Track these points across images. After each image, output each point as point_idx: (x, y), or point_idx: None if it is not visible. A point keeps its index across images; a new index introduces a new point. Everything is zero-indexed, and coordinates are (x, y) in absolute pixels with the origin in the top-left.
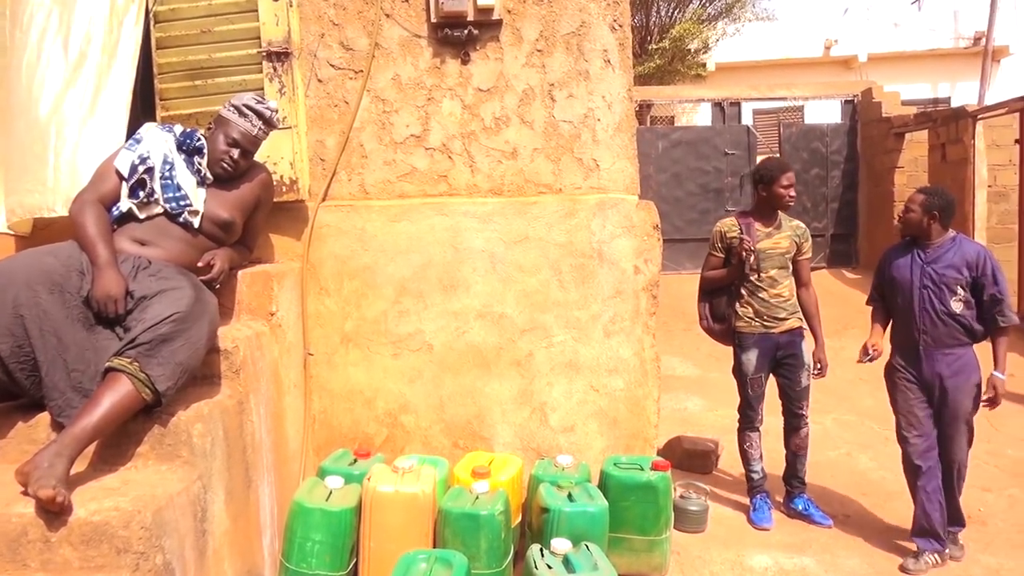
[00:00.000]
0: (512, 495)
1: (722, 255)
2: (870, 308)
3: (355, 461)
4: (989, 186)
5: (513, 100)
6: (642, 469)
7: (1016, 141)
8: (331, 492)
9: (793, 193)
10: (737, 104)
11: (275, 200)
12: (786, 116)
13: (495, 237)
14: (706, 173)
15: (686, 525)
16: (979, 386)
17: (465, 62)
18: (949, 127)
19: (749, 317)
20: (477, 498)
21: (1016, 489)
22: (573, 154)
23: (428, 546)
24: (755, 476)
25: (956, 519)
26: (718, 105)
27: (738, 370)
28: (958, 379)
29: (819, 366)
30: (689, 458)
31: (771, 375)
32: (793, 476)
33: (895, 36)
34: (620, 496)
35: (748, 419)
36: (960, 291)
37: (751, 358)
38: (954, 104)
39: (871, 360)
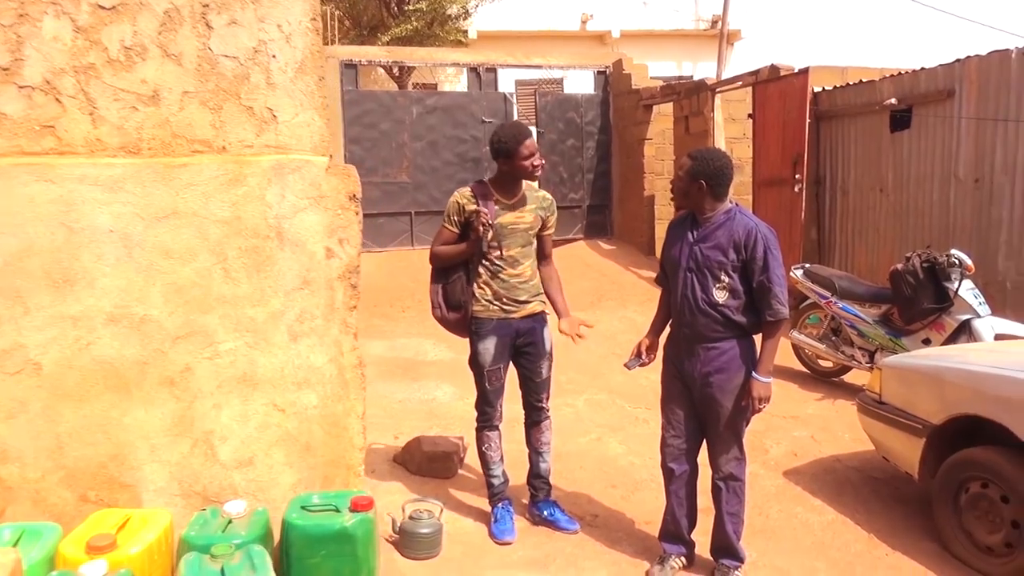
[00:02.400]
0: (151, 572)
1: (457, 230)
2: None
3: None
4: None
5: (151, 24)
6: (337, 511)
7: (749, 115)
8: None
9: (538, 162)
10: (494, 70)
11: None
12: (547, 87)
13: (129, 212)
14: (463, 142)
15: (417, 551)
16: (746, 385)
17: None
18: (691, 100)
19: (487, 300)
20: None
21: (755, 464)
22: (240, 101)
23: None
24: (495, 482)
25: (727, 550)
26: (474, 71)
27: (474, 361)
28: (719, 378)
29: (568, 329)
30: (430, 462)
31: (511, 365)
32: (536, 476)
33: (644, 15)
34: (307, 551)
35: (486, 416)
36: (724, 277)
37: (488, 347)
38: None
39: (642, 365)
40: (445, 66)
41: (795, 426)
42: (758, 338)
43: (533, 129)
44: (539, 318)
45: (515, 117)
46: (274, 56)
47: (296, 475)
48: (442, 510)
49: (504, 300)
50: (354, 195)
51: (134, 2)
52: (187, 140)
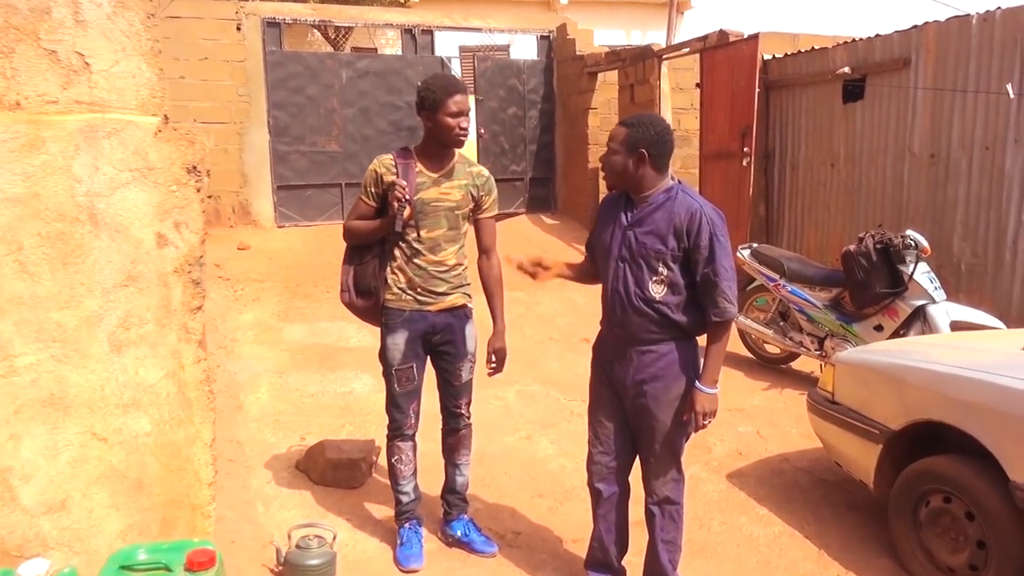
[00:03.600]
0: None
1: (374, 203)
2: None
3: None
4: (673, 130)
5: None
6: (168, 570)
7: (697, 85)
8: None
9: (465, 124)
10: (430, 32)
11: None
12: (492, 53)
13: None
14: (398, 108)
15: None
16: (688, 395)
17: None
18: (637, 67)
19: (400, 288)
20: None
21: (697, 466)
22: (39, 43)
23: None
24: (403, 499)
25: None
26: (409, 32)
27: (383, 357)
28: (655, 387)
29: (494, 361)
30: (334, 470)
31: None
32: (451, 491)
33: None
34: None
35: (396, 424)
36: (662, 269)
37: (398, 342)
38: None
39: (519, 267)
40: (378, 26)
41: (740, 420)
42: (702, 340)
43: (472, 99)
44: (460, 313)
45: None
46: None
47: (125, 520)
48: (335, 536)
49: (419, 290)
50: (192, 167)
51: None
52: None
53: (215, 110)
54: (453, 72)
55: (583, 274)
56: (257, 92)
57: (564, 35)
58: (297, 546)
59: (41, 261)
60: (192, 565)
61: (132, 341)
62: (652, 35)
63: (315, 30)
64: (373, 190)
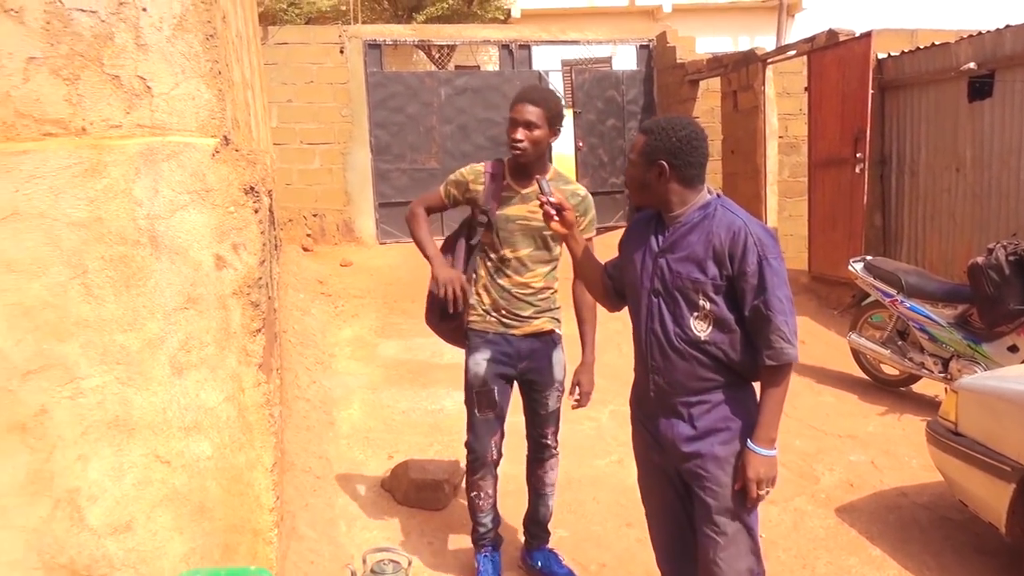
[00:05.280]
0: None
1: (447, 202)
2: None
3: None
4: (781, 137)
5: None
6: None
7: (806, 89)
8: None
9: (520, 137)
10: (527, 47)
11: None
12: (595, 66)
13: None
14: (496, 124)
15: None
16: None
17: None
18: (740, 73)
19: (484, 310)
20: None
21: (802, 498)
22: (103, 69)
23: None
24: (481, 529)
25: None
26: (507, 48)
27: (465, 380)
28: (711, 444)
29: (578, 392)
30: (417, 491)
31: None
32: (534, 522)
33: None
34: None
35: (475, 455)
36: (703, 302)
37: (479, 362)
38: None
39: (545, 204)
40: (476, 43)
41: (852, 448)
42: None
43: (568, 112)
44: (547, 339)
45: None
46: (144, 9)
47: (188, 543)
48: (410, 562)
49: (503, 312)
50: (250, 188)
51: None
52: (35, 120)
53: (320, 131)
54: (551, 86)
55: (603, 289)
56: (359, 113)
57: (664, 43)
58: (372, 571)
59: (105, 284)
60: None
61: (193, 364)
62: (760, 40)
63: (419, 50)
64: (454, 192)
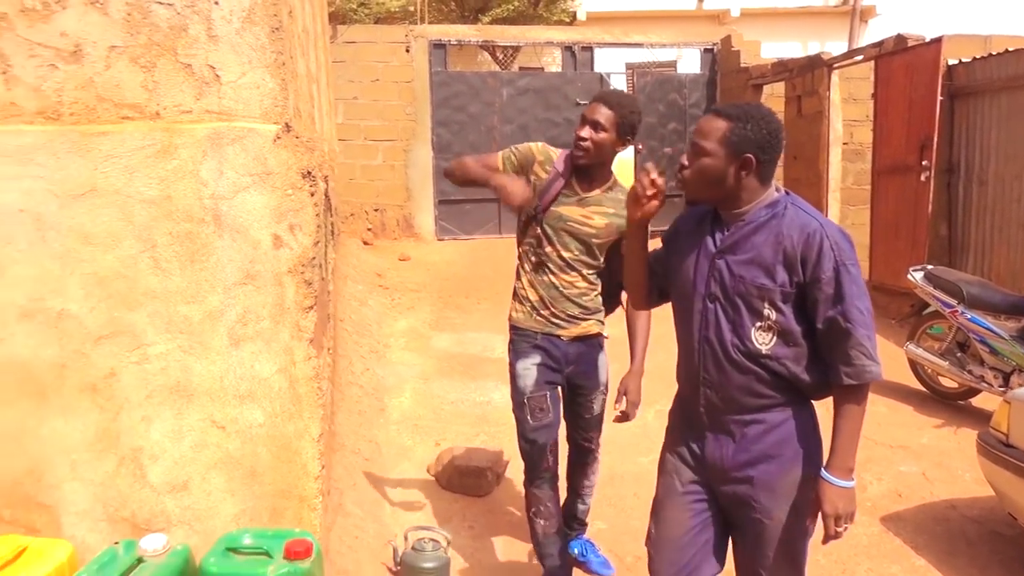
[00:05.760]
0: None
1: (502, 168)
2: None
3: None
4: (845, 143)
5: None
6: (268, 556)
7: (873, 95)
8: None
9: (585, 135)
10: (590, 49)
11: None
12: (656, 70)
13: (41, 188)
14: (556, 125)
15: None
16: (811, 484)
17: None
18: (805, 78)
19: (531, 306)
20: None
21: (877, 527)
22: (177, 57)
23: None
24: (549, 562)
25: None
26: (569, 50)
27: (513, 387)
28: (765, 471)
29: (624, 402)
30: (461, 477)
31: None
32: (571, 515)
33: None
34: None
35: (531, 464)
36: (769, 311)
37: (529, 368)
38: None
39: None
40: (539, 45)
41: (903, 458)
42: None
43: None
44: (593, 342)
45: None
46: (216, 2)
47: (239, 504)
48: (449, 541)
49: (551, 311)
50: (308, 171)
51: None
52: (115, 104)
53: (384, 128)
54: (612, 88)
55: (646, 287)
56: (423, 111)
57: (728, 47)
58: (413, 548)
59: (172, 258)
60: (290, 554)
61: (249, 336)
62: (831, 46)
63: (484, 51)
64: (515, 160)
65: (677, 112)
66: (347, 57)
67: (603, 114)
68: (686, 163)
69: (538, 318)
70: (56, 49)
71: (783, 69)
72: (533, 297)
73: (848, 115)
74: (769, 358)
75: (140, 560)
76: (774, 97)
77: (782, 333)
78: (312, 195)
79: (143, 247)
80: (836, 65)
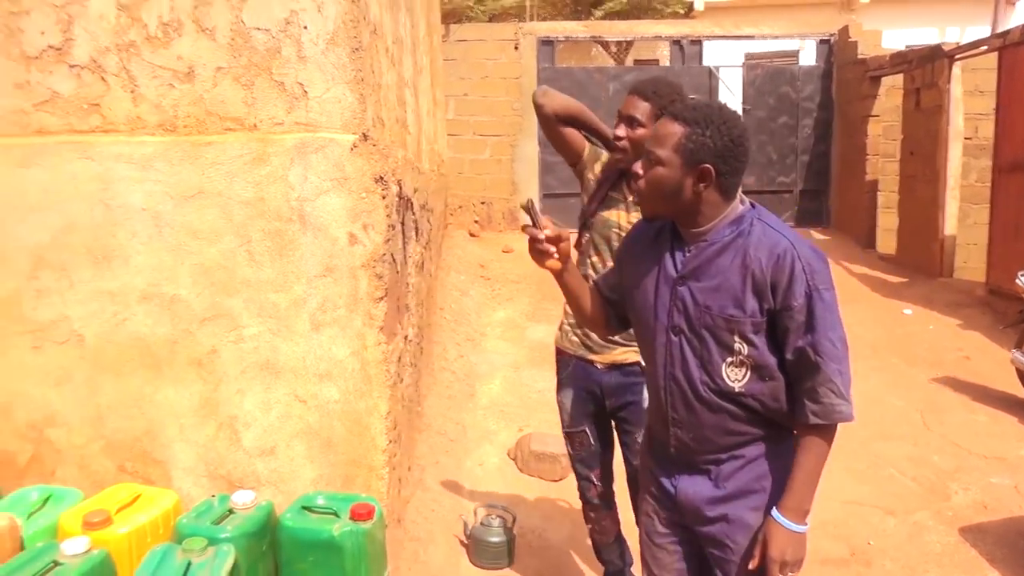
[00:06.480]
0: (137, 553)
1: (576, 151)
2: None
3: None
4: (968, 138)
5: None
6: (336, 516)
7: (997, 88)
8: None
9: (621, 134)
10: (699, 43)
11: None
12: (771, 62)
13: (159, 191)
14: None
15: (483, 559)
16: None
17: None
18: (924, 69)
19: (569, 324)
20: (53, 567)
21: (925, 513)
22: (272, 76)
23: None
24: (609, 568)
25: None
26: (677, 44)
27: (560, 414)
28: (740, 507)
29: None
30: (536, 461)
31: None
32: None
33: None
34: (295, 555)
35: (580, 487)
36: (739, 343)
37: (565, 403)
38: None
39: (532, 218)
40: (647, 39)
41: (996, 470)
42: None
43: (738, 106)
44: (631, 371)
45: (721, 93)
46: (305, 27)
47: (317, 470)
48: (515, 519)
49: (586, 329)
50: (380, 177)
51: None
52: (220, 117)
53: (492, 124)
54: (722, 83)
55: (604, 320)
56: (529, 106)
57: (846, 37)
58: (481, 523)
59: (264, 252)
60: (354, 515)
61: (327, 322)
62: (972, 31)
63: (598, 44)
64: (588, 149)
65: (788, 106)
66: (458, 55)
67: (639, 107)
68: (640, 172)
69: (572, 337)
70: (174, 71)
71: (902, 60)
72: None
73: (973, 108)
74: (743, 395)
75: (231, 511)
76: (894, 89)
77: (756, 368)
78: (383, 198)
79: (240, 242)
80: (957, 56)
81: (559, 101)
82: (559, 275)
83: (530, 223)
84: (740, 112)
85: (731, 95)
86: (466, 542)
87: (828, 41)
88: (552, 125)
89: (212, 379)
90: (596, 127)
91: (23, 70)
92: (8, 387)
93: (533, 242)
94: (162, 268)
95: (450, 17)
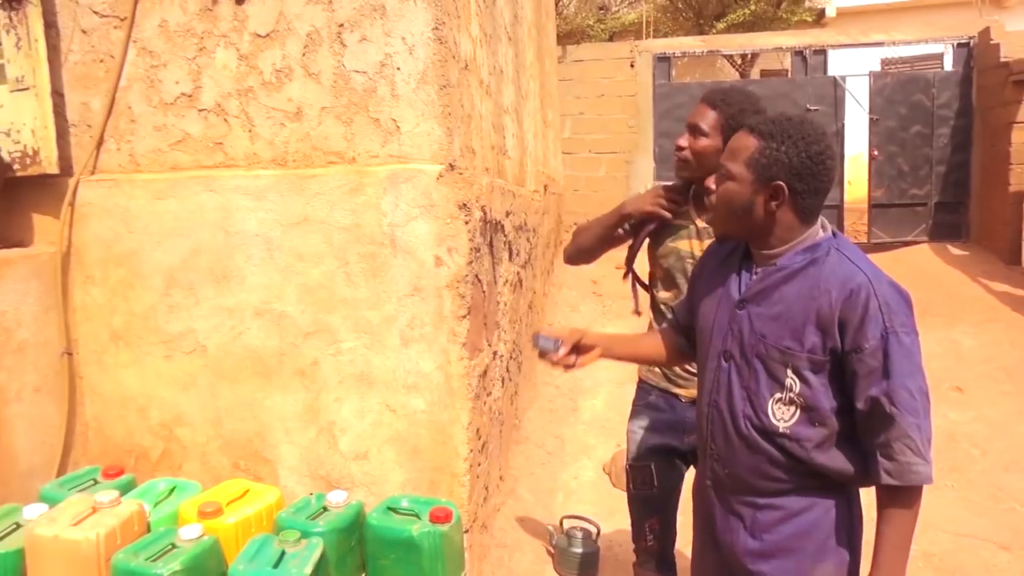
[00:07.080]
0: (241, 541)
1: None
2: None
3: (95, 483)
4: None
5: (296, 47)
6: (417, 517)
7: None
8: (14, 527)
9: (683, 143)
10: (823, 52)
11: (19, 174)
12: (923, 67)
13: (270, 218)
14: None
15: (566, 569)
16: None
17: (240, 1)
18: None
19: None
20: (171, 549)
21: None
22: (368, 113)
23: None
24: None
25: None
26: (799, 54)
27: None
28: (780, 566)
29: None
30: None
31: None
32: None
33: None
34: (379, 552)
35: (633, 535)
36: (791, 379)
37: (637, 431)
38: None
39: (548, 357)
40: (767, 51)
41: None
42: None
43: (864, 116)
44: None
45: (847, 103)
46: (398, 68)
47: (405, 475)
48: (599, 531)
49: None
50: (463, 204)
51: (283, 28)
52: (323, 152)
53: (607, 141)
54: (843, 89)
55: (676, 352)
56: (645, 123)
57: (987, 40)
58: (566, 534)
59: (359, 273)
60: (433, 518)
61: (415, 338)
62: None
63: (722, 58)
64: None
65: (923, 115)
66: (574, 75)
67: (704, 116)
68: (712, 186)
69: (656, 369)
70: (285, 111)
71: None
72: None
73: None
74: (787, 438)
75: (325, 508)
76: None
77: (806, 409)
78: (467, 223)
79: (339, 264)
80: None
81: (566, 254)
82: (611, 357)
83: (540, 354)
84: (867, 122)
85: (858, 105)
86: (552, 551)
87: (967, 44)
88: (588, 257)
89: (314, 388)
90: (604, 225)
91: (161, 115)
92: (145, 391)
93: (555, 366)
94: (272, 287)
95: (570, 37)
